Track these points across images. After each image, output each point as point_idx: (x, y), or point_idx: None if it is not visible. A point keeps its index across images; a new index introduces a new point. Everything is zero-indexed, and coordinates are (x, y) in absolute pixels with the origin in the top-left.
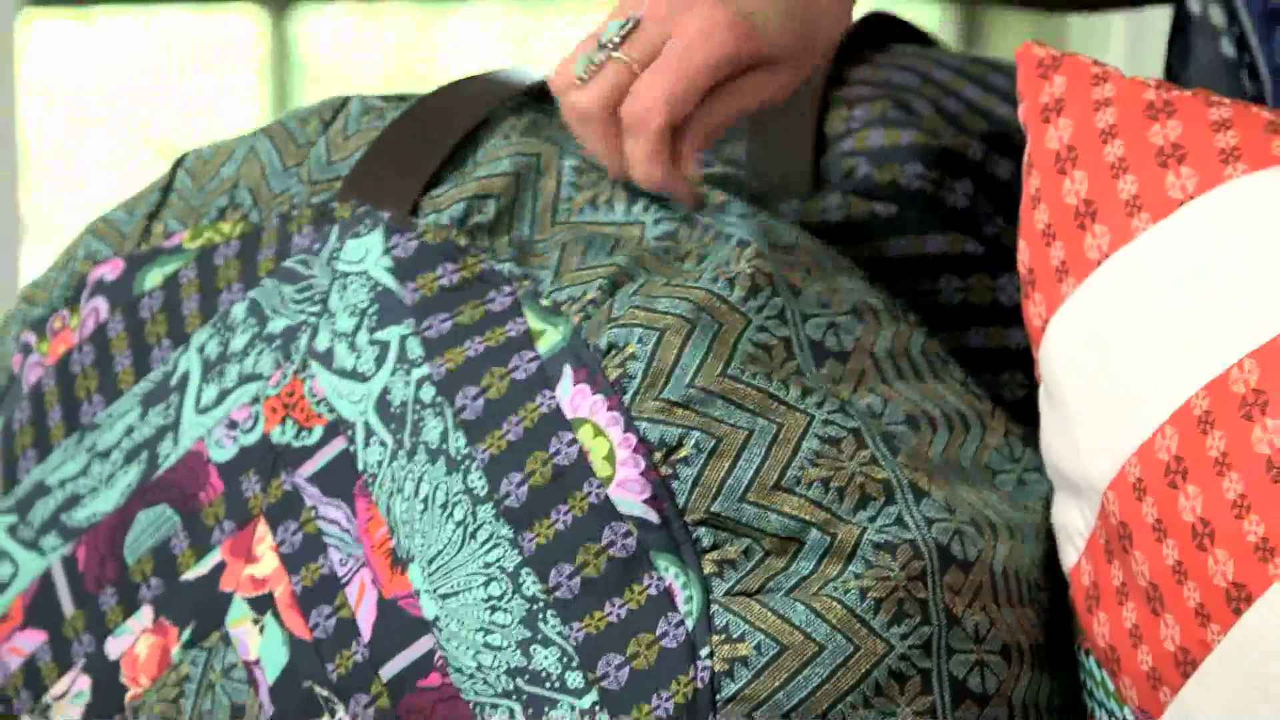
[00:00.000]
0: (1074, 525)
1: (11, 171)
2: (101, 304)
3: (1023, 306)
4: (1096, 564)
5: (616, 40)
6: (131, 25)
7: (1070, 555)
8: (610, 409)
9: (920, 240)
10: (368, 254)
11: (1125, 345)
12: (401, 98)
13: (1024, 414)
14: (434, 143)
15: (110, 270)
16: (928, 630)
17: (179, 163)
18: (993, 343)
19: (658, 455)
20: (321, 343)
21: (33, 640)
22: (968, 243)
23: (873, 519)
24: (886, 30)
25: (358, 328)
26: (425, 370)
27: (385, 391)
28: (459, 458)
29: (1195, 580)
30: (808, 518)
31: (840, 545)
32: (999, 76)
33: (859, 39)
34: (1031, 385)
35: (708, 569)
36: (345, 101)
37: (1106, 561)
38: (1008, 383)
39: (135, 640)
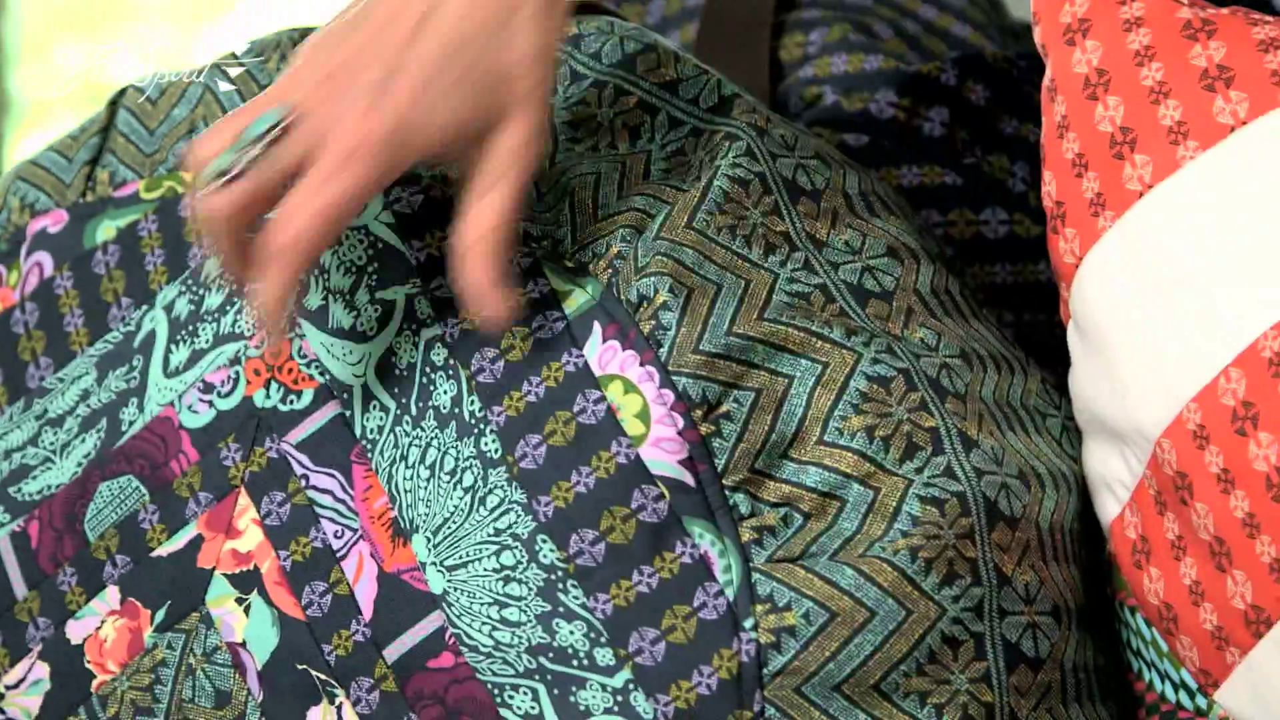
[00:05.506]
0: (1116, 475)
1: None
2: (45, 258)
3: (1049, 241)
4: (1145, 516)
5: (265, 138)
6: None
7: (1111, 506)
8: (644, 364)
9: (895, 173)
10: (365, 207)
11: (1178, 284)
12: None
13: None
14: None
15: (52, 222)
16: (979, 591)
17: (115, 100)
18: (980, 279)
19: (698, 413)
20: (312, 300)
21: None
22: (946, 174)
23: (919, 470)
24: None
25: (356, 285)
26: (436, 330)
27: (389, 353)
28: (472, 421)
29: (1270, 533)
30: (850, 471)
31: (883, 501)
32: None
33: None
34: (1017, 322)
35: (745, 536)
36: (305, 34)
37: (1158, 513)
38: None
39: (101, 623)
